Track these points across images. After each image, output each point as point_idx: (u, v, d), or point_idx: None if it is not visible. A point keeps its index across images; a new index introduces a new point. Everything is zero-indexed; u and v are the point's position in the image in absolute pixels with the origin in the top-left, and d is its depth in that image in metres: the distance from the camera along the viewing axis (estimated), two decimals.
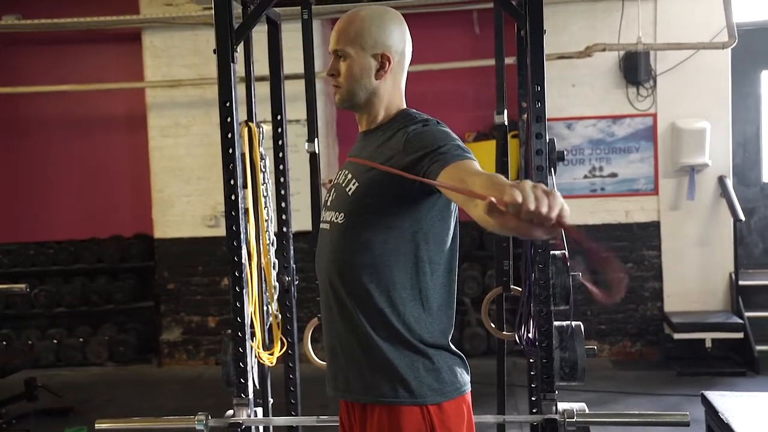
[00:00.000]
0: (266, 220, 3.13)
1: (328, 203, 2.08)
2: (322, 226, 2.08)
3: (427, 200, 1.91)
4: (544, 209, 1.33)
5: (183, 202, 7.18)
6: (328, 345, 2.08)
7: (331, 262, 2.01)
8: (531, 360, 3.18)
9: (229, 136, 2.73)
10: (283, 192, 3.36)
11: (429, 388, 1.94)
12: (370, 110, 2.06)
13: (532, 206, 1.32)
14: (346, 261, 1.97)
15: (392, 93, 2.06)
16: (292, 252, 3.38)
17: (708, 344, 6.33)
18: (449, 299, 2.02)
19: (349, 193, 1.99)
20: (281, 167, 3.35)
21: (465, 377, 2.01)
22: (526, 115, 2.96)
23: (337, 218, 2.01)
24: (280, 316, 3.25)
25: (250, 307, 2.82)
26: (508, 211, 1.34)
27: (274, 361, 3.09)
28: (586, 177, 6.85)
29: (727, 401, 3.47)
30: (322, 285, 2.08)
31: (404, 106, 2.09)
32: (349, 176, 2.02)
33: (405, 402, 1.93)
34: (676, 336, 6.44)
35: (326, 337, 2.09)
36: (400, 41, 2.05)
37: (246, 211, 2.87)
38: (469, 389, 2.02)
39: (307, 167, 3.37)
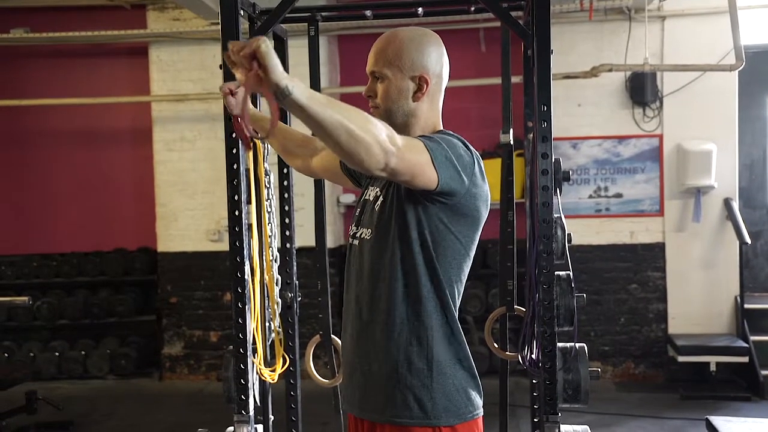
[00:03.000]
0: (270, 236, 3.11)
1: (359, 219, 2.09)
2: (353, 242, 2.09)
3: (432, 201, 1.91)
4: (236, 47, 1.56)
5: (187, 216, 7.17)
6: (347, 360, 2.08)
7: (360, 278, 2.02)
8: (534, 381, 3.15)
9: (234, 151, 2.72)
10: (287, 208, 3.35)
11: (443, 410, 1.93)
12: (407, 131, 2.06)
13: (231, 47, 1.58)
14: (374, 277, 1.98)
15: (429, 114, 2.08)
16: (295, 268, 3.36)
17: (712, 368, 6.29)
18: (457, 320, 2.02)
19: (376, 208, 2.01)
20: (285, 183, 3.34)
21: (478, 400, 2.01)
22: (531, 135, 2.95)
23: (366, 234, 2.03)
24: (282, 332, 3.23)
25: (252, 324, 2.81)
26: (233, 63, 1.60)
27: (276, 378, 3.07)
28: (591, 197, 6.84)
29: (732, 427, 3.44)
30: (348, 300, 2.09)
31: (440, 127, 2.10)
32: (377, 192, 2.05)
33: (418, 423, 1.93)
34: (681, 359, 6.40)
35: (345, 353, 2.10)
36: (438, 63, 2.07)
37: (249, 226, 2.85)
38: (482, 413, 2.01)
39: (312, 183, 3.36)
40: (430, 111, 2.07)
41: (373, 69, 2.05)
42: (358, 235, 2.06)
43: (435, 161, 1.82)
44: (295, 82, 1.58)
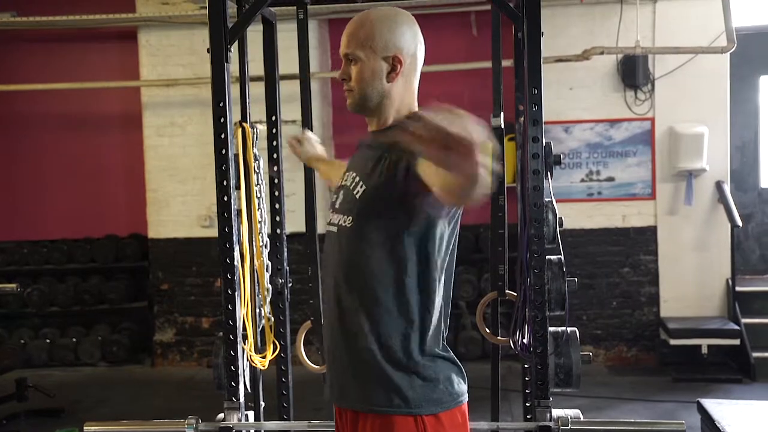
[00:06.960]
0: (259, 222, 3.10)
1: (336, 205, 2.04)
2: (330, 228, 2.04)
3: (424, 201, 1.86)
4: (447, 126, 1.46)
5: (178, 202, 7.14)
6: (328, 349, 2.05)
7: (339, 265, 1.98)
8: (526, 365, 3.15)
9: (222, 136, 2.70)
10: (277, 193, 3.33)
11: (425, 399, 1.90)
12: (381, 113, 2.03)
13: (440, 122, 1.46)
14: (353, 265, 1.94)
15: (404, 95, 2.03)
16: (285, 254, 3.35)
17: (704, 350, 6.31)
18: (447, 306, 2.00)
19: (357, 196, 1.96)
20: (276, 168, 3.32)
21: (462, 387, 1.98)
22: (522, 119, 2.94)
23: (345, 222, 1.98)
24: (272, 318, 3.21)
25: (243, 310, 2.79)
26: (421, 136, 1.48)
27: (266, 365, 3.06)
28: (583, 181, 6.83)
29: (723, 409, 3.45)
30: (326, 288, 2.05)
31: (416, 108, 2.05)
32: (357, 179, 1.99)
33: (399, 411, 1.89)
34: (672, 342, 6.41)
35: (326, 342, 2.07)
36: (412, 43, 2.02)
37: (239, 212, 2.84)
38: (466, 399, 1.99)
39: (302, 169, 3.34)
40: (405, 92, 2.03)
41: (346, 51, 2.01)
42: (335, 221, 2.01)
43: None
44: None
